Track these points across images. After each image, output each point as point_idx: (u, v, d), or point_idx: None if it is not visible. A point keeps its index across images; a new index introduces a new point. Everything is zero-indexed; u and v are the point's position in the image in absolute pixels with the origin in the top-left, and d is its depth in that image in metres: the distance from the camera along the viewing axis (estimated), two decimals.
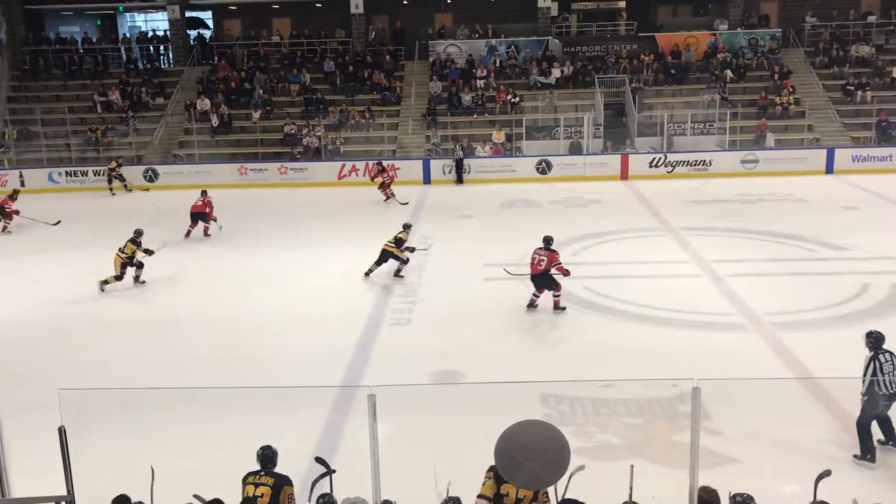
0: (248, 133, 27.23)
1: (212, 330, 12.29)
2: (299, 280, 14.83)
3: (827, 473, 5.92)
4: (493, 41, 29.51)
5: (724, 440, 8.05)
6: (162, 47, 31.68)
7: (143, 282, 14.54)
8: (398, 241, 14.49)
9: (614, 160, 24.62)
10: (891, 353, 7.86)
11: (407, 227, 14.97)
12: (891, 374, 7.72)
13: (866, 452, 7.72)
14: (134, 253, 14.31)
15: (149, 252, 14.60)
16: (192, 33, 32.57)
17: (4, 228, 19.49)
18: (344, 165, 24.68)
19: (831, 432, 8.46)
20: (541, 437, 3.17)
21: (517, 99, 27.04)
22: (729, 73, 27.36)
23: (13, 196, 19.90)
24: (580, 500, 5.42)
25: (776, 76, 27.02)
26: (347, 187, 24.10)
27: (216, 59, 30.07)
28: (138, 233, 14.55)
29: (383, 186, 21.74)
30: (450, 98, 27.39)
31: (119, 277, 14.23)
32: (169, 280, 15.00)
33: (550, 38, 29.45)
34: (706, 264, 14.86)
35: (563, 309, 12.52)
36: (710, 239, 16.79)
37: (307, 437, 8.41)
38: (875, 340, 7.97)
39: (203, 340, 11.84)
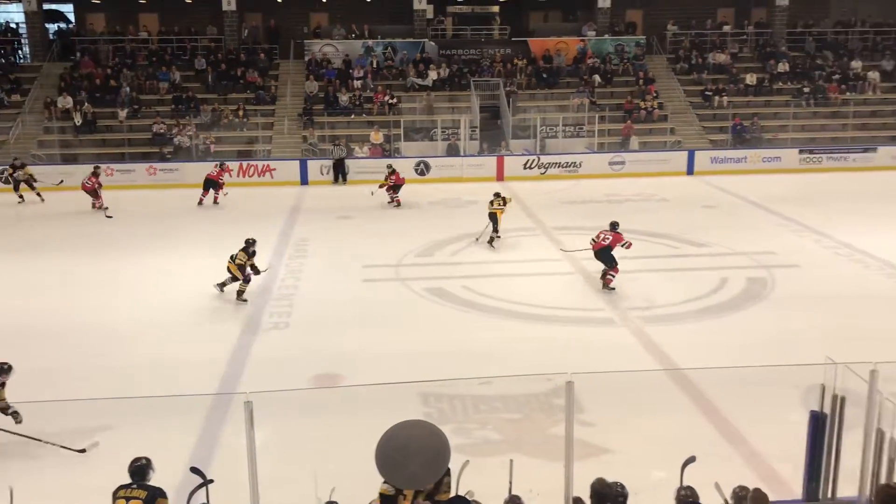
0: (114, 132, 26.03)
1: (74, 339, 11.66)
2: (171, 285, 14.32)
3: (692, 459, 6.25)
4: (370, 42, 29.46)
5: (596, 431, 8.37)
6: (17, 41, 29.82)
7: (246, 300, 13.14)
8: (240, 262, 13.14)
9: (490, 162, 25.10)
10: None
11: (249, 242, 13.33)
12: None
13: None
14: (244, 263, 13.11)
15: (255, 270, 13.30)
16: (52, 27, 30.81)
17: None
18: (216, 165, 23.99)
19: (695, 420, 8.94)
20: (421, 437, 3.21)
21: (395, 100, 27.11)
22: (597, 77, 28.41)
23: None
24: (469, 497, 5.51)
25: (641, 81, 28.28)
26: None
27: (79, 54, 28.57)
28: (250, 242, 13.26)
29: (391, 188, 21.17)
30: (326, 98, 27.14)
31: (246, 280, 13.10)
32: (27, 286, 14.16)
33: (427, 40, 29.69)
34: (577, 262, 15.37)
35: (613, 289, 13.42)
36: (582, 238, 17.34)
37: (182, 448, 8.14)
38: None
39: (65, 350, 11.23)
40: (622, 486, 5.81)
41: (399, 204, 21.14)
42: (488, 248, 16.28)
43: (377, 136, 25.77)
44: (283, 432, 8.33)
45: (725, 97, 27.94)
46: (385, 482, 3.68)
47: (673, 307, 12.85)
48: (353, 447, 5.99)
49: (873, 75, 28.77)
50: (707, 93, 28.20)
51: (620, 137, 26.51)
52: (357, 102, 27.17)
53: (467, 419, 9.09)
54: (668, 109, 27.65)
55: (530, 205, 21.04)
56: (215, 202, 20.98)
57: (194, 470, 6.00)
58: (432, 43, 29.67)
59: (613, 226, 13.94)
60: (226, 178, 21.66)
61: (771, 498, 6.31)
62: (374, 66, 28.72)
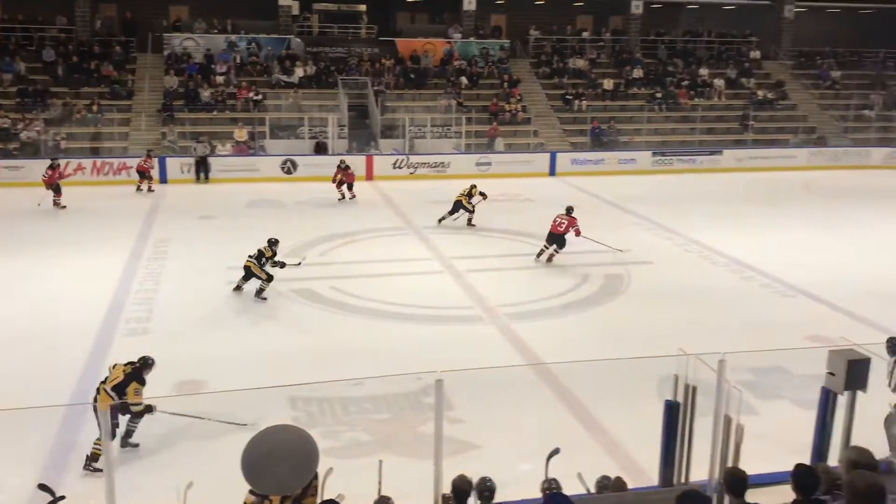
0: None
1: None
2: (18, 290, 13.41)
3: (556, 452, 6.45)
4: (233, 37, 28.66)
5: (465, 427, 8.48)
6: None
7: (265, 298, 12.91)
8: (259, 256, 13.07)
9: (359, 161, 24.98)
10: None
11: (273, 242, 13.30)
12: None
13: None
14: (268, 258, 12.98)
15: (280, 264, 13.09)
16: None
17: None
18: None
19: (559, 413, 9.24)
20: (288, 441, 3.14)
21: (259, 97, 26.50)
22: (464, 79, 28.84)
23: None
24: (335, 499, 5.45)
25: (505, 84, 28.94)
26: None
27: None
28: (273, 242, 13.16)
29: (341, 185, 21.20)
30: (187, 94, 26.18)
31: (269, 278, 12.93)
32: None
33: (292, 36, 29.21)
34: (447, 261, 15.57)
35: (550, 261, 15.28)
36: (450, 237, 17.61)
37: (31, 463, 7.64)
38: (893, 347, 8.60)
39: None
40: (489, 481, 5.91)
41: (353, 197, 21.34)
42: (319, 255, 15.89)
43: (241, 134, 25.12)
44: (145, 442, 7.98)
45: (585, 101, 29.02)
46: (250, 490, 3.59)
47: (538, 303, 13.22)
48: (219, 455, 5.81)
49: (719, 82, 30.67)
50: (567, 97, 29.20)
51: (487, 139, 27.03)
52: (220, 99, 26.37)
53: (336, 422, 9.01)
54: (531, 112, 28.42)
55: (399, 204, 21.11)
56: (56, 205, 19.56)
57: (42, 487, 5.65)
58: (298, 39, 29.22)
59: (569, 210, 15.57)
60: (76, 175, 20.48)
61: (630, 486, 6.61)
62: (238, 61, 27.97)
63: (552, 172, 26.09)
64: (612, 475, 6.54)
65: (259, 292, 13.00)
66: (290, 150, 25.21)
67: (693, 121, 29.26)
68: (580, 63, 30.81)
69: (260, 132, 25.48)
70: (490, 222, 18.92)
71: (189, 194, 22.01)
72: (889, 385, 8.43)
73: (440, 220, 18.45)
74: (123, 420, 7.90)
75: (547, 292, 13.75)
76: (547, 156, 26.41)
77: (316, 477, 4.23)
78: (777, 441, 7.52)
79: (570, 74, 30.47)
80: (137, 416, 8.02)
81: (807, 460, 6.34)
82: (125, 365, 8.19)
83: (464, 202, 18.39)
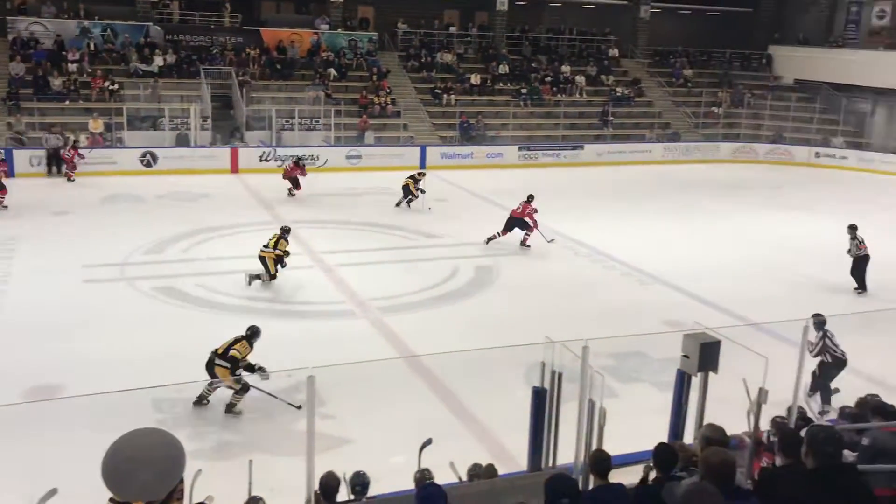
0: None
1: None
2: None
3: (428, 442, 6.52)
4: (86, 22, 27.13)
5: (338, 423, 8.44)
6: None
7: (267, 280, 13.56)
8: (276, 245, 13.61)
9: (224, 153, 24.27)
10: (829, 333, 9.47)
11: (285, 231, 13.93)
12: (839, 346, 9.39)
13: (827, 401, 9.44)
14: (284, 251, 13.59)
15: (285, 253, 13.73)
16: None
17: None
18: None
19: (432, 404, 9.34)
20: (152, 445, 3.02)
21: (116, 86, 25.23)
22: (332, 71, 28.53)
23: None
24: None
25: (374, 77, 28.84)
26: None
27: None
28: (286, 230, 13.92)
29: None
30: (36, 82, 24.58)
31: (274, 277, 13.49)
32: None
33: (151, 24, 27.96)
34: (317, 256, 15.39)
35: (528, 247, 16.40)
36: (321, 231, 17.41)
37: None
38: (821, 323, 9.49)
39: None
40: (363, 475, 5.92)
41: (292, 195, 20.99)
42: (181, 251, 15.46)
43: (97, 125, 23.83)
44: None
45: (453, 95, 29.35)
46: (111, 498, 3.42)
47: (409, 296, 13.30)
48: (80, 464, 5.51)
49: (580, 79, 31.77)
50: (436, 91, 29.44)
51: (356, 131, 26.87)
52: (72, 87, 24.91)
53: (204, 423, 8.74)
54: (400, 105, 28.46)
55: (268, 198, 20.66)
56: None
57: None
58: (157, 27, 28.00)
59: (529, 198, 16.73)
60: None
61: (500, 472, 6.77)
62: (92, 48, 26.50)
63: (423, 166, 26.19)
64: (484, 462, 6.68)
65: (272, 277, 13.61)
66: (149, 142, 24.16)
67: (556, 116, 30.16)
68: (448, 58, 31.13)
69: (117, 123, 24.27)
70: (361, 216, 18.85)
71: (39, 188, 20.70)
72: (811, 353, 9.47)
73: (398, 204, 19.96)
74: (228, 394, 8.67)
75: (418, 285, 13.84)
76: (417, 149, 26.55)
77: (182, 481, 4.09)
78: (637, 422, 7.88)
79: (439, 69, 30.73)
80: (242, 391, 8.91)
81: (665, 439, 6.69)
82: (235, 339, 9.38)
83: (411, 187, 19.76)
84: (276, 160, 24.54)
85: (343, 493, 5.86)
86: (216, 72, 27.04)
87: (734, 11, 35.43)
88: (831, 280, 14.63)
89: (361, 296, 13.21)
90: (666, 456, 5.34)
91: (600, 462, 5.26)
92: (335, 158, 25.26)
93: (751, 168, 28.73)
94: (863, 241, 14.54)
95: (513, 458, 7.72)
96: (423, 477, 5.94)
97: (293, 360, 9.13)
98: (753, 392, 6.36)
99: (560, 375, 6.56)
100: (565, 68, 32.15)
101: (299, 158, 21.65)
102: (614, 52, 33.99)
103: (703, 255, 16.64)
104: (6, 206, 18.24)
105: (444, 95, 29.27)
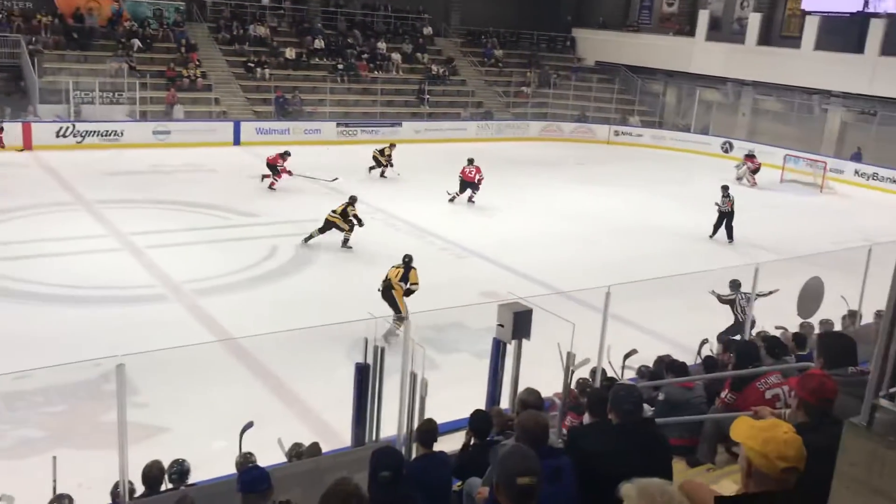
0: None
1: None
2: None
3: (249, 425, 6.41)
4: None
5: (152, 411, 8.09)
6: None
7: (351, 247, 14.95)
8: (344, 213, 14.90)
9: (14, 129, 22.27)
10: (743, 294, 10.51)
11: (353, 199, 15.24)
12: (745, 308, 10.36)
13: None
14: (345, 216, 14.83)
15: (359, 221, 14.96)
16: None
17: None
18: None
19: (253, 387, 9.16)
20: None
21: None
22: (136, 42, 26.87)
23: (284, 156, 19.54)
24: None
25: (183, 49, 27.49)
26: None
27: None
28: (354, 198, 15.21)
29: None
30: None
31: (347, 240, 14.95)
32: None
33: None
34: (125, 237, 14.56)
35: (474, 202, 18.98)
36: (128, 211, 16.47)
37: None
38: (736, 286, 10.79)
39: None
40: (181, 462, 5.73)
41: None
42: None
43: None
44: None
45: (267, 69, 28.57)
46: None
47: (226, 277, 12.90)
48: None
49: (396, 56, 31.92)
50: (249, 64, 28.53)
51: (164, 106, 25.53)
52: None
53: (0, 420, 8.08)
54: (211, 79, 27.35)
55: (66, 177, 19.23)
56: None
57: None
58: None
59: (470, 161, 18.87)
60: None
61: (324, 449, 6.78)
62: None
63: (237, 142, 25.43)
64: (307, 441, 6.66)
65: (345, 242, 15.00)
66: None
67: (374, 93, 30.17)
68: (261, 30, 30.22)
69: None
70: (172, 195, 18.00)
71: None
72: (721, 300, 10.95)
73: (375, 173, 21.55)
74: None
75: (235, 266, 13.46)
76: (230, 125, 25.67)
77: None
78: (458, 391, 8.14)
79: (252, 41, 29.77)
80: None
81: (483, 405, 6.97)
82: (396, 267, 11.27)
83: (380, 158, 21.59)
84: (75, 136, 22.87)
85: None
86: (2, 39, 24.68)
87: None
88: (632, 249, 15.74)
89: (174, 279, 12.65)
90: (481, 422, 5.57)
91: (427, 432, 5.40)
92: (141, 134, 23.91)
93: (557, 146, 30.16)
94: (731, 200, 17.32)
95: (337, 434, 7.74)
96: (246, 460, 5.84)
97: (101, 349, 8.62)
98: (565, 357, 6.75)
99: (383, 350, 6.64)
100: (381, 45, 32.18)
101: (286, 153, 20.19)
102: (428, 30, 34.40)
103: (515, 228, 17.35)
104: None
105: (258, 69, 28.43)
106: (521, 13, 37.19)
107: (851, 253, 11.62)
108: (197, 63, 27.28)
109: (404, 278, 11.33)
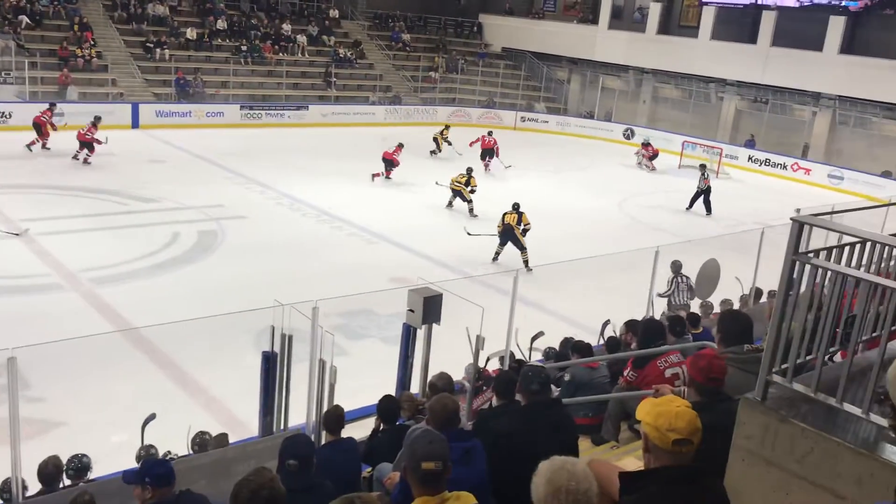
0: None
1: None
2: None
3: (152, 417, 6.24)
4: None
5: (48, 406, 7.77)
6: None
7: (477, 215, 16.83)
8: (467, 182, 17.30)
9: None
10: (686, 277, 10.81)
11: (469, 170, 17.65)
12: (685, 291, 10.80)
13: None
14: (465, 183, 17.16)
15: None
16: None
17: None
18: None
19: (155, 378, 8.88)
20: None
21: None
22: (25, 19, 25.47)
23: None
24: None
25: (76, 27, 26.23)
26: None
27: None
28: (471, 169, 17.68)
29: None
30: None
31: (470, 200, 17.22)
32: None
33: None
34: (15, 224, 13.84)
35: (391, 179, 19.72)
36: (18, 196, 15.67)
37: None
38: (676, 269, 10.92)
39: None
40: (82, 457, 5.54)
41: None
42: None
43: None
44: None
45: (167, 50, 27.60)
46: None
47: (125, 265, 12.45)
48: None
49: (302, 38, 31.36)
50: (148, 45, 27.49)
51: (57, 86, 24.34)
52: None
53: None
54: (108, 59, 26.22)
55: None
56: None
57: None
58: None
59: (400, 145, 20.00)
60: None
61: (231, 439, 6.66)
62: None
63: (135, 125, 24.49)
64: (214, 432, 6.53)
65: (471, 211, 17.09)
66: None
67: (279, 76, 29.57)
68: (160, 9, 29.14)
69: None
70: (67, 180, 17.22)
71: None
72: (663, 294, 10.95)
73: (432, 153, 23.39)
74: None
75: (135, 253, 13.00)
76: (128, 107, 24.69)
77: None
78: (368, 377, 8.12)
79: (150, 21, 28.68)
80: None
81: (394, 391, 6.97)
82: (510, 214, 13.78)
83: (439, 139, 23.48)
84: None
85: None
86: None
87: None
88: (539, 233, 15.98)
89: (70, 267, 12.12)
90: (388, 407, 5.58)
91: (333, 418, 5.37)
92: (31, 116, 22.69)
93: (466, 131, 30.30)
94: (708, 178, 19.69)
95: (244, 424, 7.60)
96: (148, 453, 5.68)
97: None
98: (475, 340, 6.83)
99: (290, 338, 6.55)
100: (286, 27, 31.54)
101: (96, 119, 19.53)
102: (334, 12, 33.94)
103: (425, 214, 17.38)
104: None
105: (158, 50, 27.41)
106: None
107: (745, 235, 12.15)
108: (92, 42, 26.09)
109: (519, 221, 14.00)
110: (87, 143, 18.88)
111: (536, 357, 8.39)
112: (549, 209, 18.18)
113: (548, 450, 2.62)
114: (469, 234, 14.59)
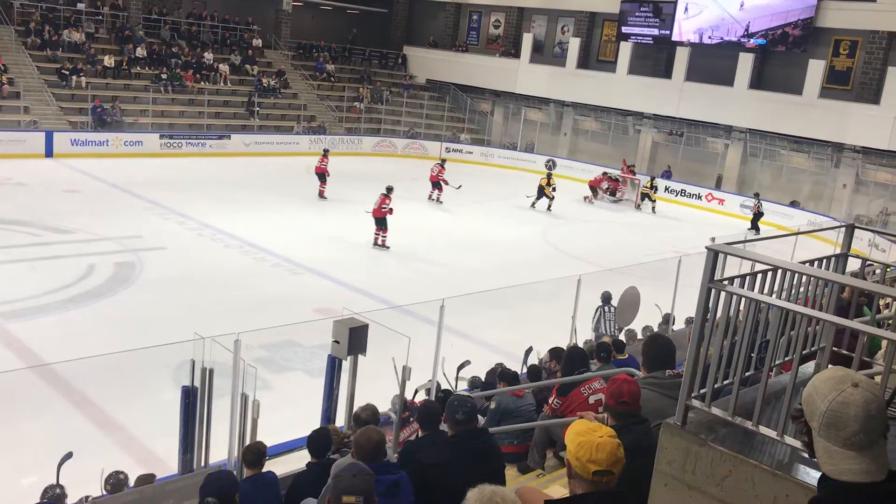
0: None
1: None
2: None
3: (68, 456, 5.96)
4: None
5: None
6: None
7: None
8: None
9: None
10: (612, 307, 10.97)
11: (550, 165, 23.18)
12: (611, 321, 10.89)
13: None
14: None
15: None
16: None
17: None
18: None
19: (69, 416, 8.53)
20: None
21: None
22: None
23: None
24: None
25: None
26: None
27: None
28: (551, 164, 23.68)
29: None
30: None
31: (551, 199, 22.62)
32: None
33: None
34: None
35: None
36: None
37: None
38: (605, 299, 11.17)
39: None
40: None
41: None
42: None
43: None
44: None
45: (84, 77, 26.88)
46: None
47: (37, 299, 11.97)
48: None
49: (224, 67, 31.00)
50: (64, 72, 26.73)
51: None
52: None
53: None
54: (20, 86, 25.37)
55: None
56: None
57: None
58: None
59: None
60: None
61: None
62: None
63: (49, 153, 23.71)
64: (132, 471, 6.30)
65: (549, 207, 22.27)
66: None
67: (201, 104, 29.12)
68: (76, 36, 28.40)
69: None
70: None
71: None
72: (591, 327, 11.16)
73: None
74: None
75: (47, 287, 12.51)
76: (42, 135, 23.89)
77: None
78: (292, 411, 7.98)
79: (66, 48, 27.90)
80: None
81: (318, 424, 6.87)
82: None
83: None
84: None
85: None
86: None
87: (372, 11, 37.18)
88: (463, 262, 16.10)
89: None
90: (319, 441, 5.49)
91: (253, 453, 5.26)
92: None
93: (391, 161, 30.39)
94: (759, 205, 23.64)
95: (163, 462, 7.36)
96: (54, 493, 5.43)
97: None
98: (401, 371, 6.79)
99: (211, 372, 6.39)
100: (208, 55, 31.14)
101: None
102: (258, 42, 33.71)
103: (349, 244, 17.27)
104: None
105: (73, 77, 26.67)
106: (353, 29, 37.29)
107: (663, 264, 12.49)
108: (3, 68, 25.24)
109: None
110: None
111: (462, 387, 8.40)
112: (475, 239, 18.35)
113: (474, 479, 2.62)
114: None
